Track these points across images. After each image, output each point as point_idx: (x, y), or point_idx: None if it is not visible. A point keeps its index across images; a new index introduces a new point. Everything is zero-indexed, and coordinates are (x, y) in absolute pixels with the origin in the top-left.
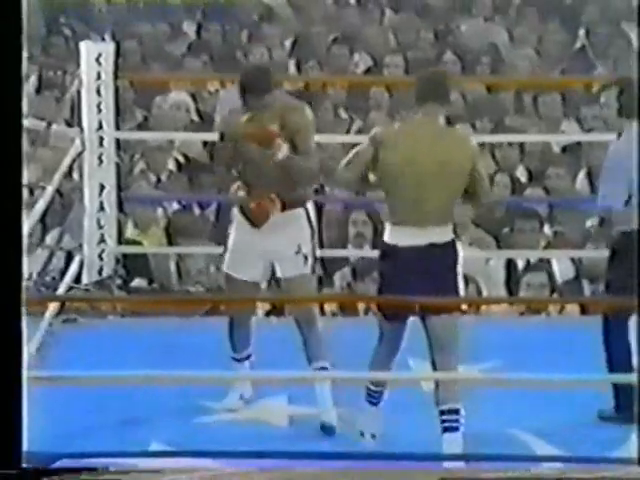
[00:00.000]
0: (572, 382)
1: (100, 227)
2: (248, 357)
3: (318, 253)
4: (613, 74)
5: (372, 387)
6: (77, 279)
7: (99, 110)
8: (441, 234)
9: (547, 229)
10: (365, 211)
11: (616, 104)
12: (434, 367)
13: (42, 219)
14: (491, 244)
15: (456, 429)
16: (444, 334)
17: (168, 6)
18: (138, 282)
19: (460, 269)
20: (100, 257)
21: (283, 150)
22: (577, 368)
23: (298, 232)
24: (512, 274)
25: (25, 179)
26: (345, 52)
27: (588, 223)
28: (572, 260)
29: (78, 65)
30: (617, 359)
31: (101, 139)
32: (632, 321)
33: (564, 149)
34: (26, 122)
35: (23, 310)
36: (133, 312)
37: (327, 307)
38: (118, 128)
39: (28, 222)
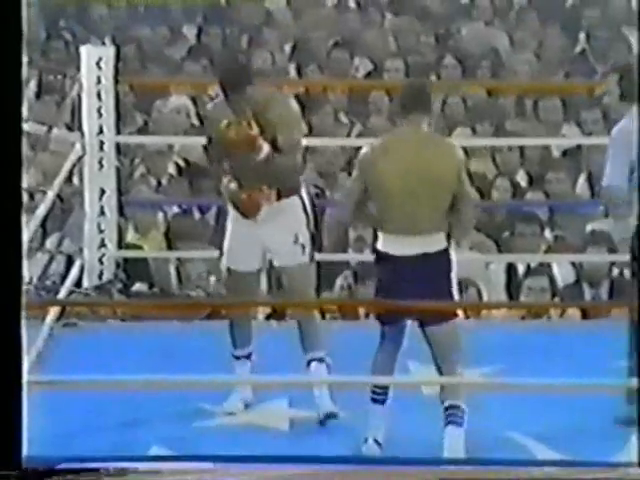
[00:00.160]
0: (573, 386)
1: (100, 231)
2: (249, 356)
3: (319, 256)
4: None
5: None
6: (77, 283)
7: (99, 114)
8: (433, 243)
9: (548, 233)
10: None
11: (618, 90)
12: (440, 372)
13: (42, 223)
14: (492, 248)
15: (459, 424)
16: (445, 341)
17: (168, 10)
18: (139, 286)
19: (454, 277)
20: (100, 261)
21: (264, 150)
22: (578, 372)
23: (294, 221)
24: (513, 278)
25: (25, 183)
26: (345, 56)
27: (589, 227)
28: (573, 264)
29: (78, 69)
30: None
31: (101, 143)
32: None
33: (564, 153)
34: (26, 126)
35: (23, 314)
36: (133, 316)
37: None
38: (118, 132)
39: (28, 226)
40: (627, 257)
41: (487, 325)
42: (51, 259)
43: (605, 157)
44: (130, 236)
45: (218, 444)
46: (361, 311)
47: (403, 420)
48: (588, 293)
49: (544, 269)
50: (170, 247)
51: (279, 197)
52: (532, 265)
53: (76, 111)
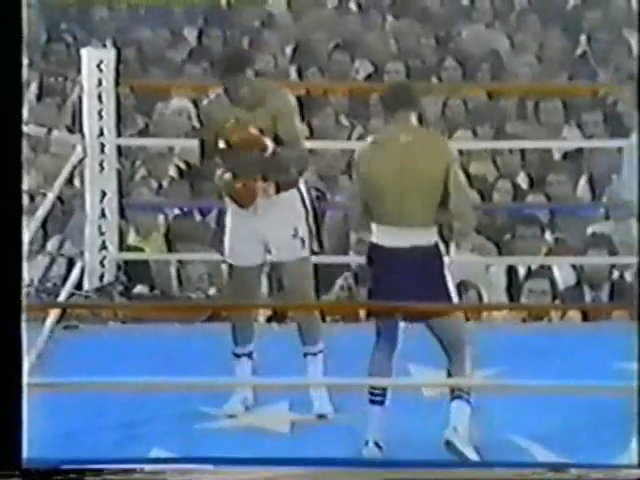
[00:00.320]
0: (574, 388)
1: (101, 234)
2: (250, 354)
3: (320, 259)
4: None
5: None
6: (78, 286)
7: (100, 116)
8: (424, 236)
9: (548, 235)
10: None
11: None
12: (449, 360)
13: (43, 225)
14: (492, 250)
15: (466, 400)
16: (449, 332)
17: (169, 12)
18: (139, 289)
19: (447, 271)
20: (101, 264)
21: (270, 148)
22: (578, 374)
23: (293, 214)
24: (513, 281)
25: (26, 186)
26: (346, 58)
27: (589, 230)
28: (573, 266)
29: (79, 71)
30: None
31: (102, 145)
32: None
33: (565, 155)
34: (27, 129)
35: (24, 316)
36: (134, 318)
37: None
38: (119, 134)
39: (29, 229)
40: (627, 260)
41: (488, 327)
42: (52, 261)
43: (619, 160)
44: (131, 238)
45: (219, 446)
46: (362, 313)
47: (404, 422)
48: (589, 295)
49: (545, 271)
50: (170, 249)
51: (278, 190)
52: (533, 267)
53: (77, 113)
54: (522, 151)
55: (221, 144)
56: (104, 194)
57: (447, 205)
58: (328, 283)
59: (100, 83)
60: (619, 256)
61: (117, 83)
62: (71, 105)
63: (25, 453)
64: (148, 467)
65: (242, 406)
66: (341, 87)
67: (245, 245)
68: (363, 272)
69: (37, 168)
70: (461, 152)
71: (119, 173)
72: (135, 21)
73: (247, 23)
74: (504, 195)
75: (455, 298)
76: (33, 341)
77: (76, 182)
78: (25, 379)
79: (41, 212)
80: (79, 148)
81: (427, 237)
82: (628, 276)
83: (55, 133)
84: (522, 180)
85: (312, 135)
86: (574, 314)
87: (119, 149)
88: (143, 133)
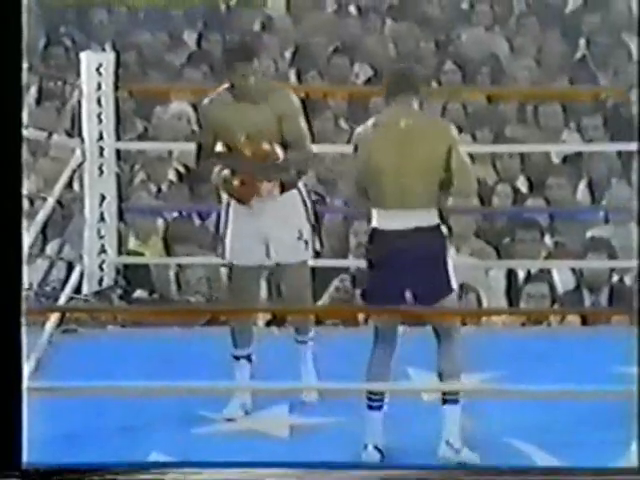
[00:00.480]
0: (573, 392)
1: (100, 237)
2: (249, 357)
3: (319, 262)
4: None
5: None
6: (77, 289)
7: (99, 120)
8: (425, 217)
9: (548, 239)
10: (366, 221)
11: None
12: (438, 342)
13: (43, 229)
14: (492, 254)
15: (456, 402)
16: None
17: (168, 16)
18: (139, 293)
19: (449, 254)
20: (101, 267)
21: (280, 157)
22: (578, 378)
23: (296, 216)
24: (513, 284)
25: (26, 190)
26: (345, 62)
27: (589, 233)
28: (573, 270)
29: (78, 75)
30: None
31: (101, 149)
32: None
33: (565, 159)
34: (26, 133)
35: (23, 320)
36: (133, 322)
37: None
38: (119, 138)
39: (29, 232)
40: (627, 264)
41: (487, 331)
42: (51, 265)
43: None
44: (131, 242)
45: (218, 450)
46: (360, 317)
47: (403, 427)
48: (588, 299)
49: (544, 275)
50: (170, 253)
51: (282, 190)
52: (532, 271)
53: (76, 117)
54: (522, 155)
55: (219, 147)
56: (103, 198)
57: (448, 186)
58: (324, 284)
59: (99, 87)
60: (618, 260)
61: (116, 87)
62: (70, 109)
63: (25, 457)
64: (147, 471)
65: (241, 410)
66: (340, 91)
67: (247, 244)
68: (361, 275)
69: (37, 172)
70: None
71: (118, 177)
72: (134, 25)
73: (246, 27)
74: (504, 199)
75: (455, 284)
76: (32, 345)
77: (75, 186)
78: (25, 383)
79: (41, 216)
80: (78, 152)
81: (429, 218)
82: (627, 280)
83: (54, 137)
84: (522, 184)
85: (311, 139)
86: (573, 318)
87: (118, 153)
88: (142, 137)
